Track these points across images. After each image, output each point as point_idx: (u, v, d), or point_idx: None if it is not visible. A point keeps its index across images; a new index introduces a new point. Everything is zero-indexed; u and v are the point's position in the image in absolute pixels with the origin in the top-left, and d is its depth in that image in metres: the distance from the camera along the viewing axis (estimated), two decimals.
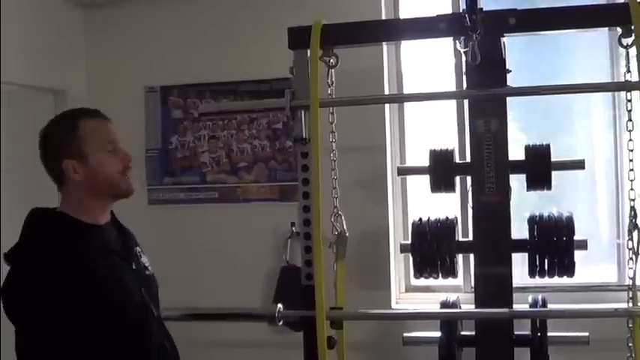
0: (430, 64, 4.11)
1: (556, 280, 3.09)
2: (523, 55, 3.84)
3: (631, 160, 2.80)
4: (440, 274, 3.12)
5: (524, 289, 3.44)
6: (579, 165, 3.15)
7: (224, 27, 4.24)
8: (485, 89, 2.91)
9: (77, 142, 2.20)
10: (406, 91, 4.18)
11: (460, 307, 3.26)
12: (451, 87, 3.92)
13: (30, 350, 2.08)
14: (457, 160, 3.30)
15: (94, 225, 2.24)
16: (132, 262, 2.31)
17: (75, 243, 2.14)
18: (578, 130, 4.15)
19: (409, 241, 3.16)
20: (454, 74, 3.93)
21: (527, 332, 3.01)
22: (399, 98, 4.24)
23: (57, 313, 2.02)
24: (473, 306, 3.08)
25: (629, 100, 2.79)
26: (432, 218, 3.15)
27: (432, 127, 4.16)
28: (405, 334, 3.24)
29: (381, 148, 4.04)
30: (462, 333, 3.14)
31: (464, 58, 2.87)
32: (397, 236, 4.09)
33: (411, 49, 4.13)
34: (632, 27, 2.67)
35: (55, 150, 2.23)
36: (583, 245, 2.98)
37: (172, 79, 4.33)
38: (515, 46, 3.18)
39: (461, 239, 3.26)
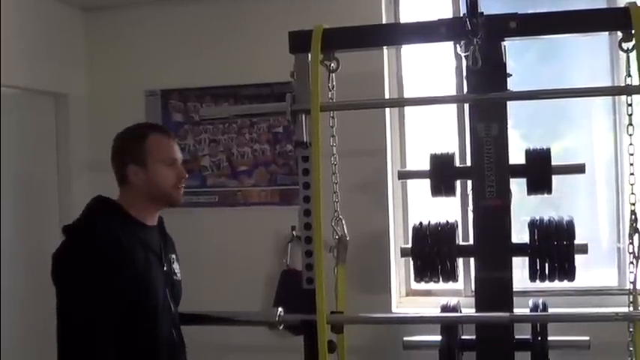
0: (431, 68, 4.11)
1: (556, 284, 3.08)
2: (523, 60, 3.84)
3: (631, 164, 2.81)
4: (440, 278, 3.12)
5: (524, 293, 3.42)
6: (580, 169, 3.14)
7: (225, 31, 4.25)
8: (486, 93, 2.92)
9: (142, 152, 2.53)
10: (407, 95, 4.18)
11: (460, 311, 3.25)
12: (452, 91, 3.92)
13: (61, 312, 2.35)
14: (458, 164, 3.30)
15: (139, 222, 2.55)
16: (164, 264, 2.60)
17: (120, 230, 2.45)
18: (578, 133, 4.15)
19: (410, 245, 3.16)
20: (455, 78, 3.92)
21: (528, 336, 3.02)
22: (400, 102, 4.24)
23: (88, 284, 2.32)
24: (473, 310, 3.08)
25: (630, 105, 2.80)
26: (433, 222, 3.16)
27: (433, 131, 4.16)
28: (406, 339, 3.24)
29: (382, 151, 4.04)
30: (463, 337, 3.14)
31: (464, 62, 2.87)
32: (398, 240, 4.09)
33: (411, 53, 4.14)
34: (633, 31, 2.68)
35: (123, 154, 2.56)
36: (583, 249, 2.98)
37: (173, 82, 4.33)
38: (515, 51, 3.18)
39: (461, 243, 3.25)
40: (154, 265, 2.53)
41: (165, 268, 2.60)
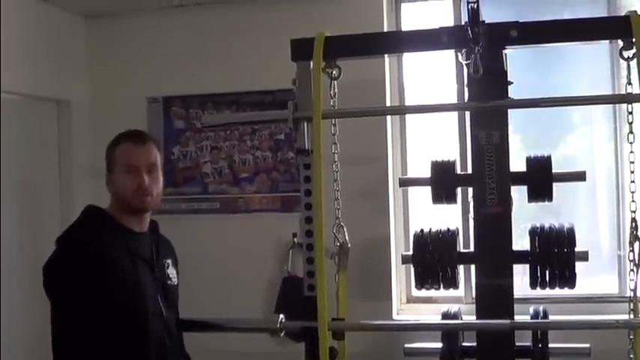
0: (432, 76, 4.12)
1: (557, 292, 3.09)
2: (525, 68, 3.85)
3: (632, 172, 2.81)
4: (441, 285, 3.12)
5: (525, 301, 3.42)
6: (580, 177, 3.15)
7: (227, 38, 4.26)
8: (487, 101, 2.93)
9: (112, 159, 2.59)
10: (408, 102, 4.19)
11: (461, 318, 3.25)
12: (453, 99, 3.93)
13: (52, 321, 2.41)
14: (458, 171, 3.31)
15: (129, 229, 2.59)
16: (155, 269, 2.62)
17: (107, 239, 2.49)
18: (579, 141, 4.15)
19: (410, 252, 3.16)
20: (456, 86, 3.93)
21: (529, 343, 3.01)
22: (401, 110, 4.25)
23: (75, 292, 2.37)
24: (474, 317, 3.08)
25: (630, 112, 2.80)
26: (434, 229, 3.16)
27: (434, 139, 4.16)
28: (407, 345, 3.24)
29: (383, 159, 4.05)
30: (464, 344, 3.14)
31: (465, 70, 2.88)
32: (399, 247, 4.09)
33: (413, 60, 4.15)
34: (633, 39, 2.69)
35: (105, 162, 2.63)
36: (584, 257, 2.98)
37: (175, 89, 4.34)
38: (516, 59, 3.18)
39: (462, 250, 3.25)
40: (143, 271, 2.55)
41: (156, 274, 2.62)
